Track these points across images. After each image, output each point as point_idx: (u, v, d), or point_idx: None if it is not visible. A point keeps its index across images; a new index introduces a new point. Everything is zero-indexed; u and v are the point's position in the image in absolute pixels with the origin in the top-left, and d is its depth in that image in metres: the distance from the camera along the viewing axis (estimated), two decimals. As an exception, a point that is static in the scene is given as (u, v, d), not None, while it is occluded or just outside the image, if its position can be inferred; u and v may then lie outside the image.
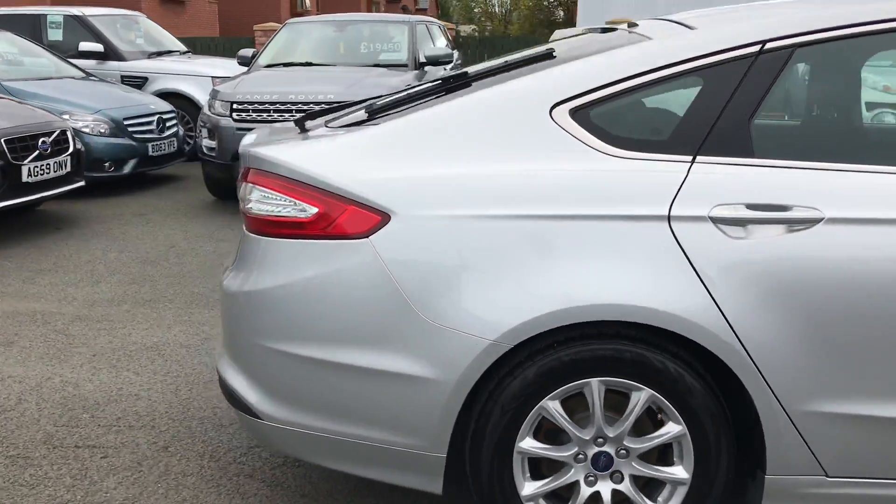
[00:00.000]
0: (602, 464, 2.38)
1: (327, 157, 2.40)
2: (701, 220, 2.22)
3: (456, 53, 9.18)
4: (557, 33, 9.72)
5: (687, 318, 2.21)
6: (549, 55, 2.62)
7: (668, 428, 2.33)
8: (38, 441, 3.29)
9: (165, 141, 8.70)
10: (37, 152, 6.55)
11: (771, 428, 2.28)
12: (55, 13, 10.84)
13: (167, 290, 5.32)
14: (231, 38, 15.71)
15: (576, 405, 2.36)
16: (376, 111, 2.57)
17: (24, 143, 6.46)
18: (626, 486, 2.39)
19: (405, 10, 39.70)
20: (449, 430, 2.33)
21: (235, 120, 7.32)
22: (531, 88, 2.39)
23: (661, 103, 2.45)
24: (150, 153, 8.48)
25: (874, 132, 3.36)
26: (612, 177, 2.27)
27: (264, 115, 7.26)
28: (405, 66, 8.39)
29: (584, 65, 2.40)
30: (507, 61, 2.65)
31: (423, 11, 42.13)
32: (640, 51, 2.39)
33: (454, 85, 2.61)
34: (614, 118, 2.36)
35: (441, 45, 9.55)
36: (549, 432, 2.39)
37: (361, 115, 2.62)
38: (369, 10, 34.67)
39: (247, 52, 8.84)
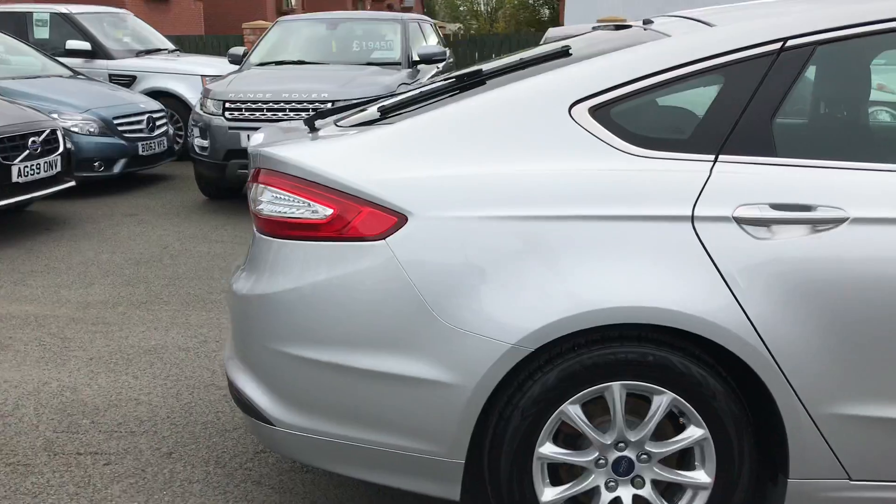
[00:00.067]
0: (623, 469, 2.33)
1: (341, 157, 2.34)
2: (725, 220, 2.18)
3: (448, 52, 9.12)
4: (551, 31, 9.70)
5: (711, 321, 2.17)
6: (565, 52, 2.58)
7: (690, 432, 2.29)
8: (38, 448, 3.21)
9: (155, 140, 8.61)
10: (27, 152, 6.46)
11: (794, 431, 2.25)
12: (42, 11, 10.70)
13: (162, 291, 5.24)
14: (219, 37, 15.58)
15: (595, 409, 2.32)
16: (389, 110, 2.52)
17: (13, 143, 6.36)
18: (647, 492, 2.35)
19: (390, 9, 39.60)
20: (468, 436, 2.28)
21: (228, 119, 7.25)
22: (549, 86, 2.34)
23: (682, 102, 2.42)
24: (141, 152, 8.39)
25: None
26: (634, 176, 2.22)
27: (257, 114, 7.19)
28: (398, 64, 8.34)
29: (603, 62, 2.36)
30: (522, 59, 2.61)
31: (408, 10, 42.02)
32: (660, 48, 2.35)
33: (468, 83, 2.56)
34: (635, 117, 2.32)
35: (433, 43, 9.50)
36: (567, 437, 2.34)
37: (374, 113, 2.57)
38: (355, 9, 34.57)
39: (238, 50, 8.75)
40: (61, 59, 9.49)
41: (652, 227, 2.19)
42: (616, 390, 2.26)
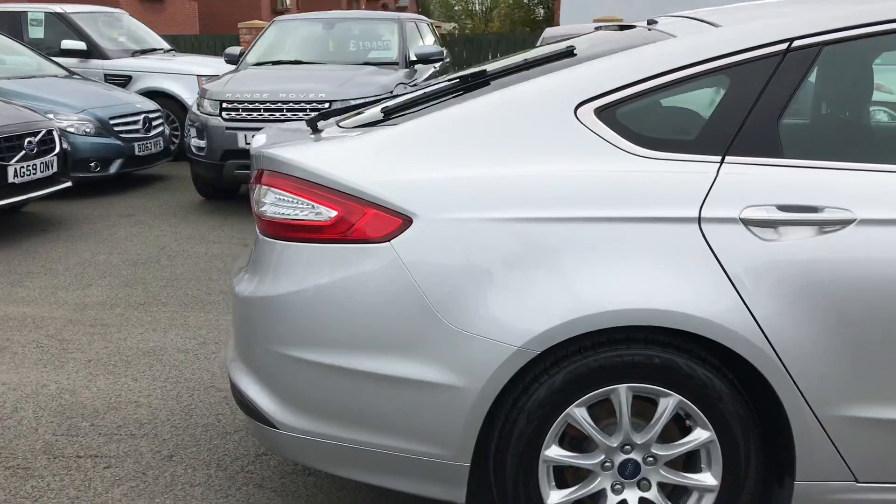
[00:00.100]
0: (629, 471, 2.32)
1: (345, 159, 2.33)
2: (732, 221, 2.17)
3: (445, 51, 9.11)
4: (549, 31, 9.69)
5: (718, 323, 2.16)
6: (569, 53, 2.57)
7: (697, 434, 2.28)
8: (37, 451, 3.19)
9: (152, 140, 8.58)
10: (23, 152, 6.42)
11: (801, 433, 2.24)
12: (36, 10, 10.66)
13: (160, 293, 5.22)
14: (215, 36, 15.54)
15: (600, 412, 2.31)
16: (392, 111, 2.51)
17: (9, 144, 6.32)
18: (653, 494, 2.34)
19: (385, 8, 39.57)
20: (473, 439, 2.27)
21: (225, 119, 7.22)
22: (555, 87, 2.33)
23: (688, 102, 2.40)
24: (137, 153, 8.35)
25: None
26: (641, 178, 2.21)
27: (254, 114, 7.16)
28: (395, 63, 8.32)
29: (609, 63, 2.34)
30: (526, 59, 2.59)
31: (403, 10, 41.99)
32: (666, 49, 2.33)
33: (472, 84, 2.55)
34: (641, 117, 2.30)
35: (430, 42, 9.48)
36: (573, 440, 2.33)
37: (377, 114, 2.55)
38: (350, 8, 34.53)
39: (234, 50, 8.72)
40: (56, 59, 9.44)
41: (658, 229, 2.18)
42: (622, 393, 2.25)
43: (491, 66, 2.70)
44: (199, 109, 7.47)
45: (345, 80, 7.41)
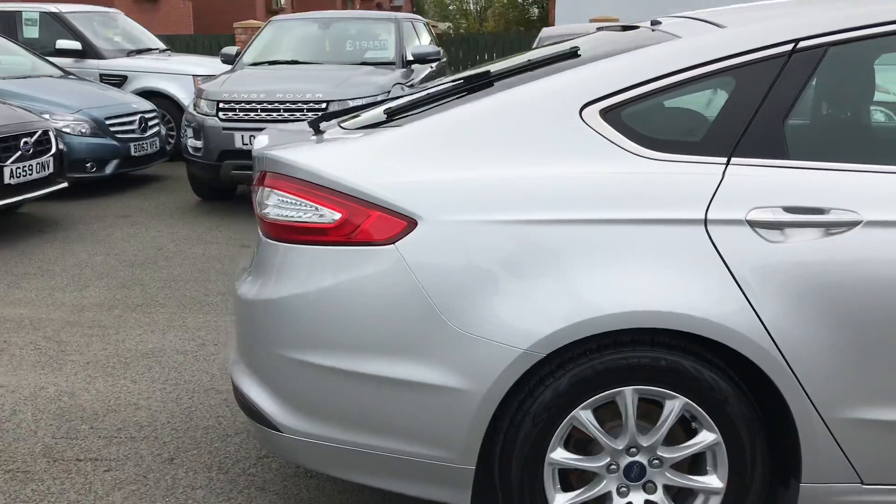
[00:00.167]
0: (634, 474, 2.31)
1: (349, 161, 2.31)
2: (738, 223, 2.16)
3: (441, 51, 9.09)
4: (545, 31, 9.67)
5: (724, 325, 2.15)
6: (573, 54, 2.56)
7: (703, 436, 2.28)
8: (37, 454, 3.17)
9: (148, 141, 8.55)
10: (19, 153, 6.39)
11: (807, 435, 2.23)
12: (31, 10, 10.61)
13: (158, 294, 5.20)
14: (210, 36, 15.50)
15: (606, 414, 2.30)
16: (396, 112, 2.49)
17: (5, 144, 6.29)
18: (658, 497, 2.33)
19: (380, 8, 39.54)
20: (478, 442, 2.25)
21: (222, 119, 7.20)
22: (559, 88, 2.31)
23: (693, 104, 2.40)
24: (133, 153, 8.33)
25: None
26: (646, 179, 2.20)
27: (251, 114, 7.14)
28: (392, 63, 8.31)
29: (613, 64, 2.33)
30: (530, 60, 2.58)
31: (397, 9, 41.95)
32: (671, 50, 2.32)
33: (476, 85, 2.53)
34: (646, 119, 2.29)
35: (427, 42, 9.47)
36: (579, 442, 2.32)
37: (380, 115, 2.53)
38: (345, 8, 34.50)
39: (230, 49, 8.70)
40: (52, 59, 9.41)
41: (664, 231, 2.17)
42: (628, 395, 2.24)
43: (494, 67, 2.69)
44: (195, 110, 7.44)
45: (342, 80, 7.39)
